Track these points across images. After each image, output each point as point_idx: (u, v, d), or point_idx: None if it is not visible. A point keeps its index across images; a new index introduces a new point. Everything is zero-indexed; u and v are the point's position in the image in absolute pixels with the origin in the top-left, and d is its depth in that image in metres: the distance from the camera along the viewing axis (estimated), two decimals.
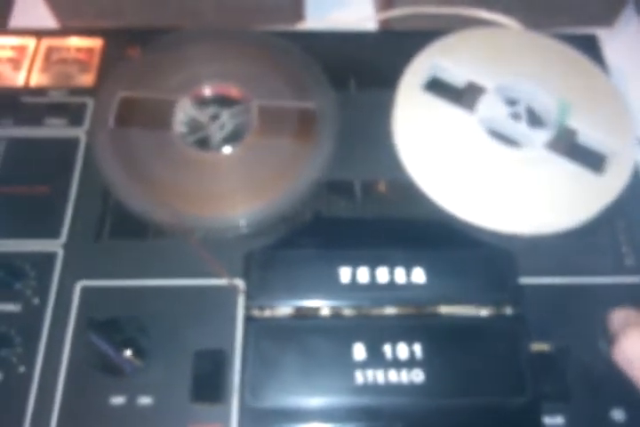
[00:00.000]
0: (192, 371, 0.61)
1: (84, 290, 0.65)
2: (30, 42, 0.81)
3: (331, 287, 0.63)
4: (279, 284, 0.63)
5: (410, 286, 0.63)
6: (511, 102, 0.75)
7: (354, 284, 0.63)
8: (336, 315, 0.63)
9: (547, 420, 0.60)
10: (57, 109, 0.76)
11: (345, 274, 0.63)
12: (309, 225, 0.69)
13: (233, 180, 0.71)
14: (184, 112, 0.75)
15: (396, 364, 0.60)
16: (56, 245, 0.68)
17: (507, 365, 0.61)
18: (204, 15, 0.87)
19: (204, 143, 0.73)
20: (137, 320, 0.63)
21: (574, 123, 0.73)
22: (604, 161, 0.72)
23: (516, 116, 0.74)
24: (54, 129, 0.75)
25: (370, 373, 0.60)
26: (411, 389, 0.60)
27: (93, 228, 0.69)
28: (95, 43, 0.81)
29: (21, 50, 0.80)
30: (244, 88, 0.75)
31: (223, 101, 0.76)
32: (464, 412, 0.60)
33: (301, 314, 0.62)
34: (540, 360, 0.62)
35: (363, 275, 0.63)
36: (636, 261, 0.68)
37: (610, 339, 0.61)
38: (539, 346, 0.62)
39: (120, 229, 0.69)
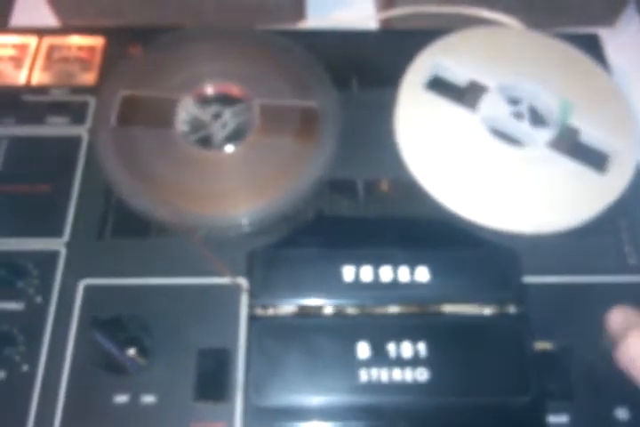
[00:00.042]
0: (196, 369, 0.61)
1: (87, 288, 0.65)
2: (32, 40, 0.81)
3: (334, 286, 0.63)
4: (283, 282, 0.63)
5: (413, 285, 0.63)
6: (513, 101, 0.75)
7: (357, 283, 0.63)
8: (339, 314, 0.62)
9: (551, 418, 0.60)
10: (59, 108, 0.76)
11: (348, 273, 0.63)
12: (312, 224, 0.69)
13: (235, 178, 0.71)
14: (186, 111, 0.75)
15: (400, 363, 0.60)
16: (58, 244, 0.68)
17: (510, 363, 0.61)
18: (205, 14, 0.87)
19: (206, 142, 0.73)
20: (140, 319, 0.63)
21: (576, 122, 0.73)
22: (606, 160, 0.72)
23: (518, 115, 0.74)
24: (56, 127, 0.75)
25: (373, 371, 0.60)
26: (414, 387, 0.60)
27: (96, 226, 0.69)
28: (97, 41, 0.81)
29: (23, 48, 0.80)
30: (246, 87, 0.75)
31: (225, 100, 0.76)
32: (468, 411, 0.60)
33: (305, 313, 0.62)
34: (544, 359, 0.62)
35: (366, 274, 0.63)
36: (639, 260, 0.68)
37: (610, 339, 0.61)
38: (542, 345, 0.62)
39: (122, 228, 0.69)
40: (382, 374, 0.60)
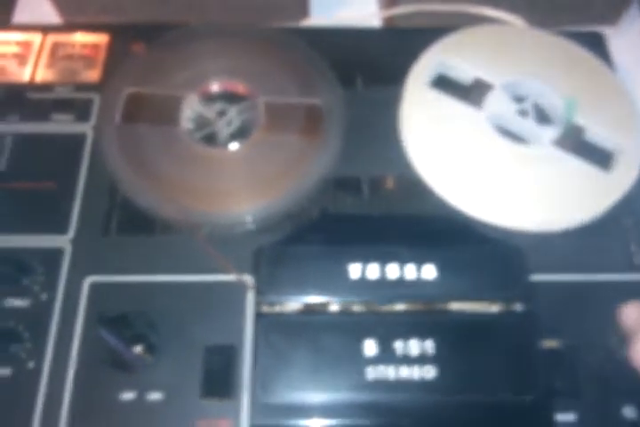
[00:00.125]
0: (202, 366, 0.61)
1: (93, 286, 0.65)
2: (36, 37, 0.81)
3: (340, 283, 0.63)
4: (289, 280, 0.63)
5: (419, 283, 0.63)
6: (518, 99, 0.75)
7: (363, 280, 0.63)
8: (346, 311, 0.62)
9: (558, 416, 0.60)
10: (63, 105, 0.76)
11: (355, 270, 0.63)
12: (317, 222, 0.69)
13: (240, 176, 0.71)
14: (191, 108, 0.75)
15: (406, 360, 0.60)
16: (64, 241, 0.68)
17: (517, 361, 0.61)
18: (208, 12, 0.87)
19: (210, 139, 0.73)
20: (146, 316, 0.63)
21: (582, 120, 0.73)
22: (611, 158, 0.72)
23: (523, 113, 0.74)
24: (61, 125, 0.75)
25: (379, 369, 0.60)
26: (421, 385, 0.60)
27: (101, 223, 0.69)
28: (101, 38, 0.81)
29: (27, 45, 0.80)
30: (250, 84, 0.75)
31: (230, 98, 0.76)
32: (474, 408, 0.60)
33: (311, 310, 0.62)
34: (551, 357, 0.62)
35: (372, 271, 0.63)
36: None
37: (621, 336, 0.61)
38: (549, 343, 0.62)
39: (128, 225, 0.69)
40: (388, 372, 0.60)
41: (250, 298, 0.65)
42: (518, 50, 0.77)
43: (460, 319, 0.62)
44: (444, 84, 0.76)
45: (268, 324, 0.61)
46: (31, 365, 0.62)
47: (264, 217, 0.69)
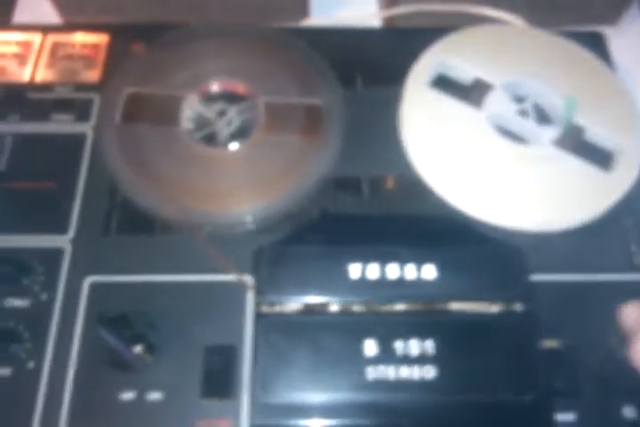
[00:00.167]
0: (202, 366, 0.61)
1: (92, 285, 0.65)
2: (36, 37, 0.81)
3: (341, 283, 0.63)
4: (289, 280, 0.63)
5: (419, 283, 0.63)
6: (518, 99, 0.75)
7: (363, 280, 0.63)
8: (346, 311, 0.62)
9: (558, 416, 0.60)
10: (63, 105, 0.76)
11: (355, 270, 0.63)
12: (317, 222, 0.69)
13: (240, 176, 0.71)
14: (191, 108, 0.75)
15: (406, 360, 0.60)
16: (64, 241, 0.68)
17: (517, 361, 0.61)
18: (208, 12, 0.87)
19: (211, 139, 0.73)
20: (146, 316, 0.63)
21: (582, 120, 0.73)
22: (611, 158, 0.72)
23: (523, 113, 0.74)
24: (60, 125, 0.75)
25: (379, 369, 0.60)
26: (421, 385, 0.60)
27: (101, 223, 0.69)
28: (101, 38, 0.81)
29: (27, 45, 0.80)
30: (250, 84, 0.75)
31: (230, 98, 0.76)
32: (474, 408, 0.60)
33: (311, 310, 0.62)
34: (551, 357, 0.62)
35: (372, 271, 0.63)
36: None
37: (621, 336, 0.61)
38: (549, 342, 0.62)
39: (127, 225, 0.69)
40: (388, 372, 0.60)
41: (249, 298, 0.65)
42: (518, 50, 0.77)
43: (459, 319, 0.62)
44: (444, 84, 0.76)
45: (268, 324, 0.61)
46: (31, 365, 0.62)
47: (264, 217, 0.69)
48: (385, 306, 0.63)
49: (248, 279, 0.65)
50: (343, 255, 0.64)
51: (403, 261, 0.64)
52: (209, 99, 0.76)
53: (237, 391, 0.61)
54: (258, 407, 0.59)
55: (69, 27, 0.83)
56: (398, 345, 0.60)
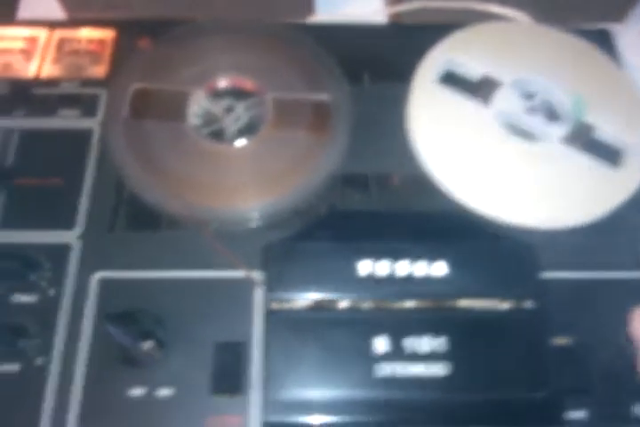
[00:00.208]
0: (213, 363, 0.61)
1: (100, 281, 0.65)
2: (42, 33, 0.80)
3: (350, 280, 0.63)
4: (299, 276, 0.63)
5: (429, 280, 0.63)
6: (527, 96, 0.75)
7: (374, 277, 0.63)
8: (356, 308, 0.62)
9: (569, 414, 0.60)
10: (69, 100, 0.76)
11: (365, 267, 0.63)
12: (325, 218, 0.69)
13: (247, 172, 0.71)
14: (198, 104, 0.74)
15: (416, 357, 0.60)
16: (71, 237, 0.67)
17: (527, 359, 0.61)
18: (214, 8, 0.87)
19: (218, 135, 0.73)
20: (154, 312, 0.63)
21: (591, 117, 0.73)
22: (620, 156, 0.72)
23: (532, 110, 0.74)
24: (67, 120, 0.74)
25: (390, 366, 0.60)
26: (430, 382, 0.60)
27: (108, 219, 0.69)
28: (107, 34, 0.81)
29: (33, 41, 0.80)
30: (258, 80, 0.75)
31: (237, 94, 0.76)
32: (484, 405, 0.60)
33: (321, 306, 0.62)
34: (562, 354, 0.61)
35: (382, 268, 0.63)
36: None
37: (632, 342, 0.60)
38: (560, 340, 0.62)
39: (135, 221, 0.69)
40: (398, 369, 0.60)
41: (258, 294, 0.64)
42: (526, 47, 0.77)
43: (469, 317, 0.62)
44: (451, 80, 0.76)
45: (278, 321, 0.61)
46: (39, 361, 0.62)
47: (271, 214, 0.69)
48: (395, 303, 0.62)
49: (256, 275, 0.65)
50: (353, 252, 0.64)
51: (413, 258, 0.63)
52: (216, 95, 0.75)
53: (248, 388, 0.61)
54: (269, 404, 0.59)
55: (75, 22, 0.83)
56: (408, 342, 0.60)
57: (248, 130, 0.73)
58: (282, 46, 0.77)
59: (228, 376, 0.61)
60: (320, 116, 0.73)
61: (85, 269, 0.66)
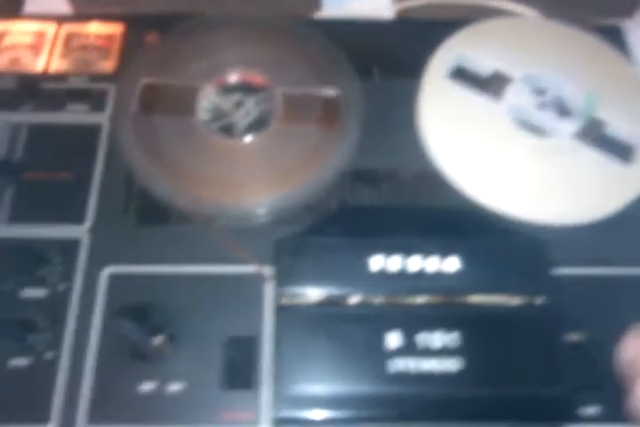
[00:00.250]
0: (225, 358, 0.61)
1: (110, 276, 0.65)
2: (50, 28, 0.80)
3: (362, 275, 0.63)
4: (311, 271, 0.63)
5: (442, 275, 0.63)
6: (538, 92, 0.74)
7: (385, 272, 0.63)
8: (368, 303, 0.62)
9: (581, 410, 0.60)
10: (77, 95, 0.75)
11: (377, 262, 0.63)
12: (335, 214, 0.68)
13: (257, 167, 0.71)
14: (208, 99, 0.74)
15: (428, 353, 0.60)
16: (81, 231, 0.67)
17: (540, 355, 0.60)
18: (222, 3, 0.86)
19: (228, 130, 0.73)
20: (165, 307, 0.63)
21: (602, 113, 0.73)
22: (632, 151, 0.71)
23: (543, 106, 0.73)
24: (75, 115, 0.74)
25: (402, 361, 0.59)
26: (443, 378, 0.59)
27: (118, 214, 0.68)
28: (116, 29, 0.80)
29: (41, 36, 0.80)
30: (268, 75, 0.75)
31: (247, 89, 0.75)
32: (495, 401, 0.60)
33: (333, 302, 0.62)
34: (575, 350, 0.61)
35: (394, 263, 0.63)
36: None
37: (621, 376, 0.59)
38: (572, 336, 0.62)
39: (145, 215, 0.69)
40: (411, 364, 0.59)
41: (268, 289, 0.64)
42: (537, 42, 0.77)
43: (482, 312, 0.62)
44: (462, 76, 0.75)
45: (290, 316, 0.61)
46: (49, 355, 0.62)
47: (280, 209, 0.69)
48: (406, 298, 0.62)
49: (267, 270, 0.64)
50: (364, 247, 0.64)
51: (424, 254, 0.63)
52: (226, 90, 0.75)
53: (259, 383, 0.60)
54: (281, 399, 0.59)
55: (84, 17, 0.83)
56: (420, 338, 0.60)
57: (257, 125, 0.73)
58: (292, 41, 0.77)
59: (240, 372, 0.60)
60: (330, 111, 0.73)
61: (95, 263, 0.66)
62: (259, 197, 0.69)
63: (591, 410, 0.59)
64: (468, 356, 0.60)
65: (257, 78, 0.75)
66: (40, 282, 0.64)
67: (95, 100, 0.75)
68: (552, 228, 0.67)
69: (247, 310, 0.64)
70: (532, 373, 0.60)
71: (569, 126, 0.72)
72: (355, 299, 0.62)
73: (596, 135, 0.72)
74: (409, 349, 0.60)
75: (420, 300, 0.62)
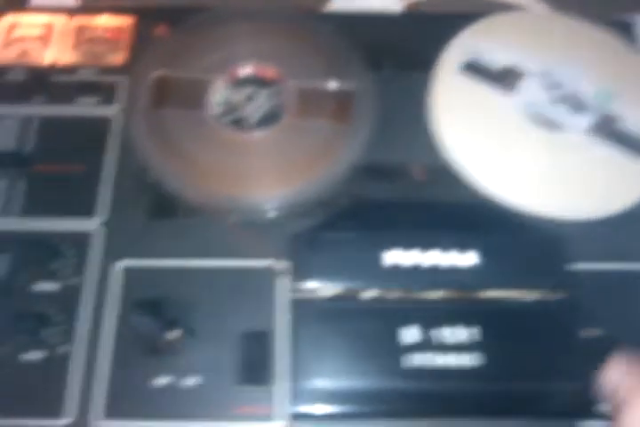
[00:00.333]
0: (241, 353, 0.61)
1: (124, 270, 0.65)
2: (60, 20, 0.79)
3: (378, 270, 0.62)
4: (327, 266, 0.62)
5: (456, 270, 0.63)
6: (552, 86, 0.74)
7: (401, 267, 0.63)
8: (384, 297, 0.62)
9: (596, 407, 0.59)
10: (87, 88, 0.75)
11: (393, 257, 0.63)
12: (350, 208, 0.68)
13: (268, 161, 0.71)
14: (219, 92, 0.74)
15: (446, 348, 0.60)
16: (93, 225, 0.67)
17: (557, 350, 0.60)
18: None
19: (239, 124, 0.72)
20: (178, 300, 0.62)
21: (616, 108, 0.73)
22: None
23: (556, 101, 0.73)
24: (86, 107, 0.74)
25: (419, 356, 0.59)
26: (459, 373, 0.59)
27: (130, 207, 0.68)
28: (126, 21, 0.80)
29: (50, 28, 0.79)
30: (280, 68, 0.74)
31: (259, 82, 0.75)
32: (511, 396, 0.60)
33: (350, 296, 0.62)
34: (592, 346, 0.61)
35: (411, 258, 0.63)
36: None
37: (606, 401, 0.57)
38: (589, 332, 0.62)
39: (157, 209, 0.68)
40: (427, 359, 0.59)
41: (283, 283, 0.64)
42: (550, 36, 0.77)
43: (497, 308, 0.62)
44: (475, 69, 0.75)
45: (306, 310, 0.61)
46: (63, 349, 0.61)
47: (292, 203, 0.68)
48: (423, 293, 0.62)
49: (280, 265, 0.64)
50: (381, 241, 0.63)
51: (441, 249, 0.63)
52: (237, 83, 0.75)
53: (275, 378, 0.60)
54: (298, 394, 0.58)
55: (94, 9, 0.82)
56: (437, 332, 0.60)
57: (269, 119, 0.72)
58: (304, 34, 0.77)
59: (257, 367, 0.60)
60: (342, 105, 0.73)
61: (107, 257, 0.65)
62: (270, 191, 0.69)
63: (607, 406, 0.59)
64: (484, 351, 0.60)
65: (269, 72, 0.74)
66: (53, 276, 0.64)
67: (105, 93, 0.75)
68: (567, 222, 0.67)
69: (259, 304, 0.64)
70: (548, 368, 0.60)
71: (583, 121, 0.72)
72: (370, 293, 0.62)
73: (610, 130, 0.72)
74: (424, 344, 0.60)
75: (436, 295, 0.62)
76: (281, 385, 0.60)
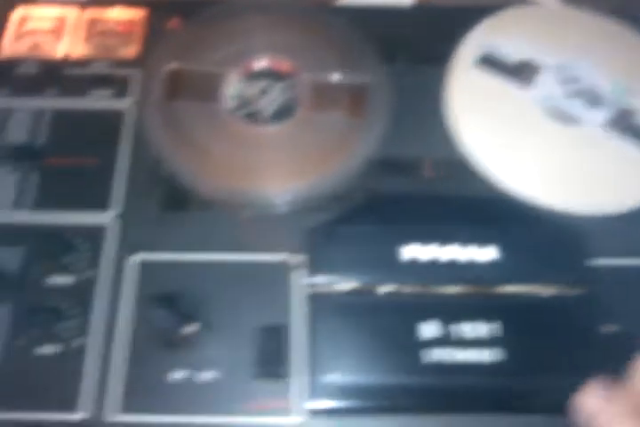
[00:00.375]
0: (258, 347, 0.60)
1: (138, 263, 0.65)
2: (72, 13, 0.79)
3: (396, 264, 0.62)
4: (344, 260, 0.62)
5: (474, 265, 0.62)
6: (568, 80, 0.74)
7: (419, 261, 0.62)
8: (401, 292, 0.61)
9: None
10: (100, 81, 0.75)
11: (411, 251, 0.63)
12: (365, 202, 0.68)
13: (282, 155, 0.70)
14: (233, 86, 0.73)
15: (464, 343, 0.59)
16: (107, 218, 0.67)
17: (575, 346, 0.60)
18: None
19: (253, 117, 0.72)
20: (195, 294, 0.62)
21: (632, 102, 0.72)
22: None
23: (573, 95, 0.73)
24: (99, 100, 0.73)
25: (436, 351, 0.59)
26: (477, 368, 0.59)
27: (144, 200, 0.68)
28: (139, 14, 0.79)
29: (62, 21, 0.79)
30: (294, 62, 0.74)
31: (273, 75, 0.74)
32: (529, 392, 0.59)
33: (367, 290, 0.61)
34: (610, 342, 0.61)
35: (429, 252, 0.63)
36: None
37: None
38: (608, 327, 0.61)
39: (170, 202, 0.68)
40: (445, 354, 0.59)
41: (298, 277, 0.63)
42: (566, 31, 0.77)
43: (516, 302, 0.61)
44: (491, 63, 0.75)
45: (324, 304, 0.61)
46: (77, 343, 0.61)
47: (306, 197, 0.68)
48: (441, 288, 0.62)
49: (295, 259, 0.64)
50: (399, 235, 0.63)
51: (459, 243, 0.63)
52: (251, 76, 0.74)
53: (291, 372, 0.60)
54: (315, 389, 0.58)
55: (106, 2, 0.82)
56: (456, 327, 0.60)
57: (283, 112, 0.72)
58: (318, 27, 0.76)
59: (273, 361, 0.60)
60: (357, 99, 0.72)
61: (121, 250, 0.65)
62: (284, 185, 0.69)
63: None
64: (502, 346, 0.59)
65: (283, 65, 0.74)
66: (67, 269, 0.64)
67: (118, 86, 0.75)
68: (585, 217, 0.67)
69: (274, 298, 0.63)
70: (567, 364, 0.59)
71: (599, 115, 0.71)
72: (387, 288, 0.61)
73: (626, 124, 0.71)
74: (442, 339, 0.59)
75: (454, 289, 0.62)
76: (298, 380, 0.60)
